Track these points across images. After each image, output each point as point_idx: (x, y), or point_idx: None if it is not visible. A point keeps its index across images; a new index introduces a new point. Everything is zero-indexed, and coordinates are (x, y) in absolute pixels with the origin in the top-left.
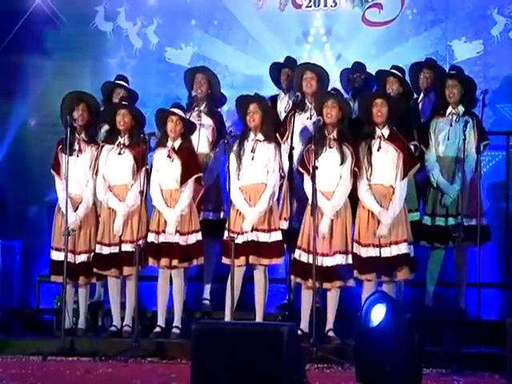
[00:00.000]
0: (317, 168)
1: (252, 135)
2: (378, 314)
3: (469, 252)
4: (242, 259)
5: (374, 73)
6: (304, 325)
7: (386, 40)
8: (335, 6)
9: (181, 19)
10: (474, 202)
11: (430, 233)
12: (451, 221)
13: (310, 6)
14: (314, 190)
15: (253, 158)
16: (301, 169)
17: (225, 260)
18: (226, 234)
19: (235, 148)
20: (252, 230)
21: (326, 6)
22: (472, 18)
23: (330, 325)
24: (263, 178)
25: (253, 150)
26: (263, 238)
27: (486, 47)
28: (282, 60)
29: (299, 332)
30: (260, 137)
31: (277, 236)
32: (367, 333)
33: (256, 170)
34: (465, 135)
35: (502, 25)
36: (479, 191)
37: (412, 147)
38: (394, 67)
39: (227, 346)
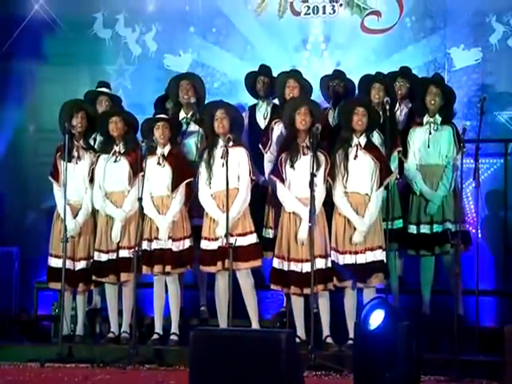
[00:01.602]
0: (315, 175)
1: (221, 142)
2: (376, 319)
3: (466, 259)
4: (219, 264)
5: (352, 80)
6: (300, 332)
7: (384, 47)
8: (334, 13)
9: (179, 26)
10: (458, 207)
11: (416, 241)
12: (436, 228)
13: (309, 14)
14: (312, 198)
15: (223, 165)
16: (273, 177)
17: (203, 268)
18: (202, 242)
19: (205, 156)
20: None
21: (324, 13)
22: (471, 25)
23: (326, 331)
24: (235, 183)
25: (222, 157)
26: (238, 242)
27: (484, 55)
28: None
29: (297, 339)
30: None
31: (252, 239)
32: (366, 338)
33: (226, 176)
34: (463, 142)
35: (501, 32)
36: (479, 199)
37: (396, 153)
38: (379, 74)
39: (225, 353)
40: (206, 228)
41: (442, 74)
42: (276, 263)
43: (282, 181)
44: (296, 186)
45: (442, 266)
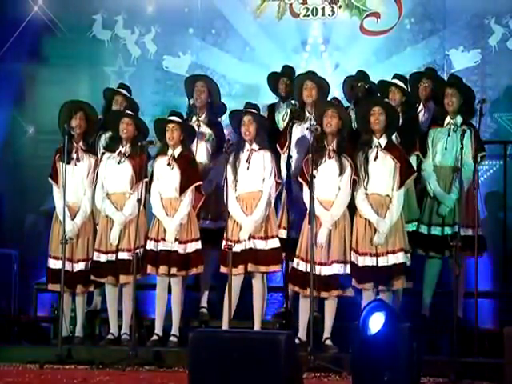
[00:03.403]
0: (315, 177)
1: (247, 145)
2: (376, 323)
3: (466, 261)
4: (241, 267)
5: (374, 82)
6: (302, 333)
7: (383, 49)
8: (333, 15)
9: (178, 28)
10: (470, 212)
11: (426, 242)
12: (447, 230)
13: (308, 15)
14: (312, 199)
15: (248, 168)
16: (300, 179)
17: (223, 269)
18: (224, 243)
19: (231, 159)
20: (249, 238)
21: (323, 15)
22: (470, 27)
23: (327, 333)
24: (259, 186)
25: (248, 160)
26: (260, 245)
27: (483, 57)
28: (279, 69)
29: (297, 340)
30: (255, 146)
31: (274, 243)
32: (365, 341)
33: (252, 179)
34: (462, 144)
35: (500, 34)
36: (476, 201)
37: (414, 157)
38: (397, 76)
39: (225, 354)
40: (229, 230)
41: (442, 76)
42: (296, 264)
43: (307, 183)
44: (319, 189)
45: (446, 268)
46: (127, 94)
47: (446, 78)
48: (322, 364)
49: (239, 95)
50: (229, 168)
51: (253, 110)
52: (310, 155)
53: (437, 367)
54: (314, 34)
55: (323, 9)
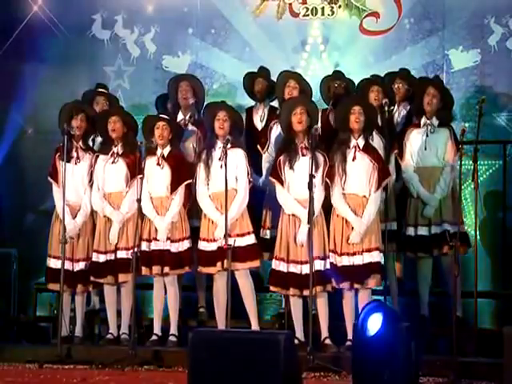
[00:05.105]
0: (314, 177)
1: (219, 143)
2: (374, 324)
3: (464, 260)
4: (219, 265)
5: (353, 80)
6: (299, 333)
7: (383, 49)
8: (332, 14)
9: (178, 27)
10: (457, 209)
11: (414, 243)
12: (434, 229)
13: (308, 15)
14: (312, 199)
15: (221, 166)
16: (272, 178)
17: (201, 269)
18: (200, 243)
19: (203, 157)
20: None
21: (323, 14)
22: (469, 27)
23: (325, 333)
24: (233, 184)
25: (221, 158)
26: (236, 242)
27: (483, 56)
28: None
29: (296, 341)
30: (228, 144)
31: (250, 240)
32: (364, 342)
33: (225, 177)
34: (461, 144)
35: (499, 34)
36: (476, 200)
37: (393, 155)
38: (375, 76)
39: (224, 354)
40: (205, 229)
41: (441, 76)
42: (275, 265)
43: (281, 183)
44: (295, 188)
45: (441, 268)
46: (106, 91)
47: (445, 79)
48: (321, 364)
49: (238, 95)
50: (201, 165)
51: (228, 106)
52: (310, 155)
53: (436, 367)
54: (314, 33)
55: (323, 8)
